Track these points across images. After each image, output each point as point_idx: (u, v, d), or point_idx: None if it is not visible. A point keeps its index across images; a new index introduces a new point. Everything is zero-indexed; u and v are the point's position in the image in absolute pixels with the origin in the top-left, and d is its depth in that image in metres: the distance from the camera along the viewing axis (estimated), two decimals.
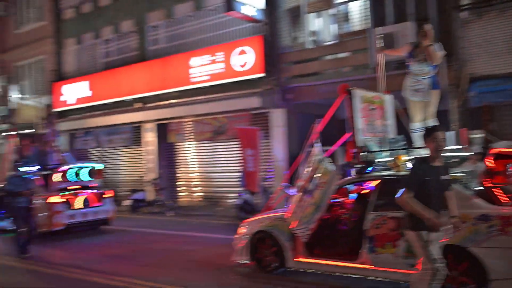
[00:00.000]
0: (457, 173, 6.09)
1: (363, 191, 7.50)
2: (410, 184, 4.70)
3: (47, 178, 12.17)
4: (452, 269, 5.34)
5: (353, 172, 7.11)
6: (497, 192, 5.68)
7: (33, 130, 17.13)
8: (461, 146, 7.34)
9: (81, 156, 20.03)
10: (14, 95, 23.60)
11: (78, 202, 12.03)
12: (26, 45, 22.60)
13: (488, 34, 11.12)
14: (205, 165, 16.99)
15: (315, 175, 6.81)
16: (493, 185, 5.75)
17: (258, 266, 7.52)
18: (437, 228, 4.60)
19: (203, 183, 17.10)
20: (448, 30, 11.42)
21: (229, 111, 15.27)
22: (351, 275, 6.60)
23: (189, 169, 17.48)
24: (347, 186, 7.52)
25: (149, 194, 17.07)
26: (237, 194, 13.97)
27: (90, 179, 12.80)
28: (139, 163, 18.64)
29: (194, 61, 15.82)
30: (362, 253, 6.32)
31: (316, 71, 13.90)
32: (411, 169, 4.99)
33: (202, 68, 15.61)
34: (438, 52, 7.50)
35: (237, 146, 14.45)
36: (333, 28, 14.01)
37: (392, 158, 6.65)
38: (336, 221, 7.47)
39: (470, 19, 11.34)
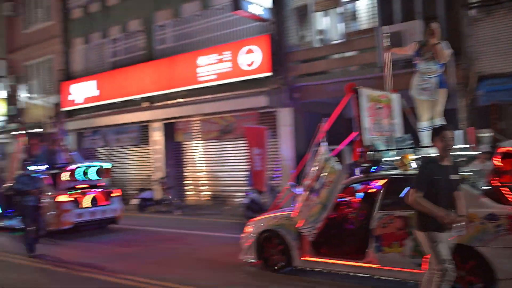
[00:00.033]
0: (465, 172, 6.05)
1: (370, 190, 7.47)
2: (419, 184, 4.65)
3: (55, 177, 12.23)
4: (460, 269, 5.31)
5: (359, 171, 7.09)
6: (505, 191, 5.63)
7: (42, 129, 17.20)
8: (468, 145, 7.30)
9: (89, 155, 20.15)
10: (23, 94, 23.78)
11: (86, 201, 12.09)
12: (34, 45, 22.75)
13: (497, 32, 11.05)
14: (212, 164, 17.03)
15: (321, 174, 6.80)
16: (501, 184, 5.71)
17: (264, 265, 7.52)
18: (450, 225, 4.54)
19: (210, 182, 17.13)
20: (456, 28, 11.36)
21: (236, 110, 15.29)
22: (357, 274, 6.57)
23: (197, 168, 17.52)
24: (354, 185, 7.50)
25: (157, 193, 17.12)
26: (244, 193, 13.96)
27: (98, 178, 12.86)
28: (146, 162, 18.72)
29: (202, 60, 15.85)
30: (369, 252, 6.30)
31: (323, 70, 13.87)
32: (419, 168, 4.95)
33: (209, 67, 15.64)
34: (446, 50, 7.46)
35: (244, 145, 14.45)
36: (341, 27, 13.98)
37: (399, 157, 6.62)
38: (343, 220, 7.46)
39: (479, 17, 11.27)
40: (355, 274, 6.60)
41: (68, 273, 7.98)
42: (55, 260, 9.00)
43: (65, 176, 12.25)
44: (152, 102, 17.64)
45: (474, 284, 5.44)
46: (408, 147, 7.27)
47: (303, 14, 14.44)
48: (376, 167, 6.75)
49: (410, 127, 8.23)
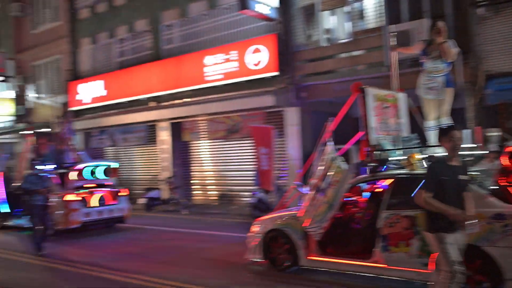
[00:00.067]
0: (473, 171, 6.02)
1: (377, 190, 7.45)
2: (428, 184, 4.63)
3: (63, 176, 12.30)
4: (467, 268, 5.27)
5: (368, 170, 7.07)
6: None
7: (50, 129, 17.31)
8: (476, 145, 7.26)
9: (97, 154, 20.24)
10: (31, 94, 23.93)
11: (94, 200, 12.15)
12: (42, 45, 22.89)
13: (505, 31, 10.98)
14: (219, 164, 17.05)
15: (328, 174, 6.80)
16: (508, 183, 5.67)
17: (271, 265, 7.52)
18: (462, 224, 4.50)
19: (217, 181, 17.15)
20: (464, 27, 11.30)
21: (243, 110, 15.29)
22: (364, 274, 6.56)
23: (203, 167, 17.55)
24: (360, 184, 7.49)
25: (164, 193, 17.17)
26: (251, 193, 13.98)
27: (105, 177, 12.91)
28: (153, 161, 18.77)
29: (208, 59, 15.87)
30: (376, 251, 6.28)
31: (330, 69, 13.85)
32: (427, 168, 4.90)
33: (216, 67, 15.65)
34: (453, 49, 7.43)
35: (251, 144, 14.46)
36: (347, 26, 13.94)
37: (406, 157, 6.60)
38: (349, 220, 7.44)
39: (487, 15, 11.20)
40: (361, 273, 6.59)
41: (76, 272, 8.02)
42: (63, 259, 9.04)
43: (73, 175, 12.32)
44: (159, 101, 17.69)
45: (482, 283, 5.40)
46: (415, 146, 7.25)
47: (310, 13, 14.42)
48: (385, 167, 6.73)
49: (416, 127, 8.21)
